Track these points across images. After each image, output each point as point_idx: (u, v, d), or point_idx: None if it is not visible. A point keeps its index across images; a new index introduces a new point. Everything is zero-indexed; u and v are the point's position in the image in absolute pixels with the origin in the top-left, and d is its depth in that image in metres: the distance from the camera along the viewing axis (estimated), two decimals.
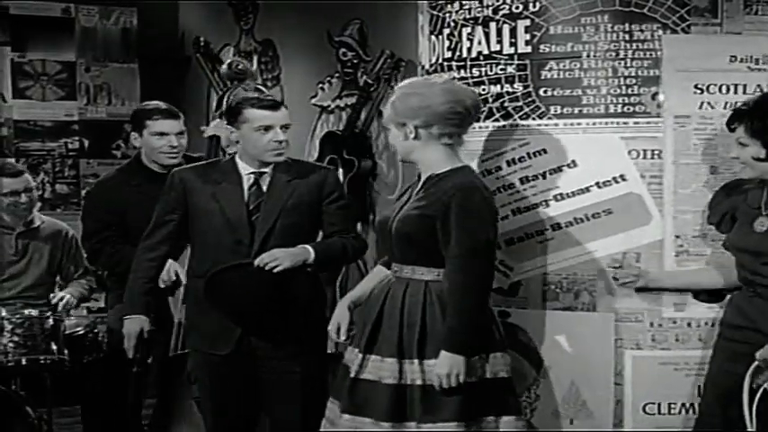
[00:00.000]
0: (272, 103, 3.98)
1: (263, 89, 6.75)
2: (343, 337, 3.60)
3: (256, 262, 3.80)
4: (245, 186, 3.96)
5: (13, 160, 7.04)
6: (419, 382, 3.39)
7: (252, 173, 3.97)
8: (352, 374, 3.46)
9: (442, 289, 3.42)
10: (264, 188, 3.96)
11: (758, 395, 3.24)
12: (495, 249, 3.48)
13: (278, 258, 3.81)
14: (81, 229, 4.89)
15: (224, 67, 4.89)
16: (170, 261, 4.36)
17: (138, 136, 4.68)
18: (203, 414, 4.15)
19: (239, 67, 4.86)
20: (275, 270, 3.79)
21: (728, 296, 3.53)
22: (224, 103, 4.75)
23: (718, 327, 3.53)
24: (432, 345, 3.39)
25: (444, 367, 3.34)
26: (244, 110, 3.93)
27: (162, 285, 4.32)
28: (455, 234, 3.36)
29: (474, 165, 3.73)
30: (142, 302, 4.03)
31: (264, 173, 3.97)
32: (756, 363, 3.26)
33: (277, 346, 3.93)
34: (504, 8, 3.71)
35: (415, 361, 3.40)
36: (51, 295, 5.07)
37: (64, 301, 5.01)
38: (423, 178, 3.52)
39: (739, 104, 3.43)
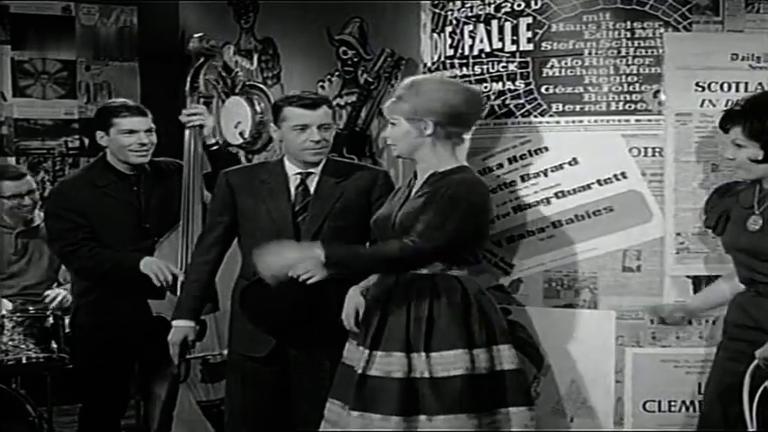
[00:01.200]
0: (310, 101, 3.88)
1: (264, 87, 6.81)
2: (355, 328, 3.58)
3: (289, 273, 3.78)
4: (292, 187, 3.91)
5: (13, 159, 7.06)
6: (426, 374, 3.39)
7: (298, 173, 3.92)
8: (360, 371, 3.46)
9: (449, 284, 3.44)
10: (312, 189, 3.91)
11: (758, 394, 3.24)
12: (451, 246, 3.45)
13: (311, 270, 3.78)
14: (46, 230, 4.76)
15: (194, 40, 4.67)
16: (157, 259, 4.35)
17: (104, 134, 4.49)
18: (227, 415, 4.07)
19: (210, 42, 4.69)
20: (308, 282, 3.77)
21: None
22: (199, 81, 4.60)
23: (722, 326, 3.54)
24: (437, 338, 3.41)
25: (306, 259, 3.39)
26: (284, 107, 3.88)
27: (159, 284, 4.30)
28: (429, 215, 3.39)
29: (476, 162, 3.75)
30: (191, 307, 4.00)
31: (312, 173, 3.92)
32: (756, 361, 3.26)
33: (311, 350, 3.89)
34: (505, 6, 3.71)
35: (423, 354, 3.40)
36: (47, 293, 5.05)
37: (59, 298, 4.99)
38: (424, 176, 3.53)
39: (733, 105, 3.43)
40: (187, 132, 4.51)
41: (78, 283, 4.63)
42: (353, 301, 3.63)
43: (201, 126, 4.50)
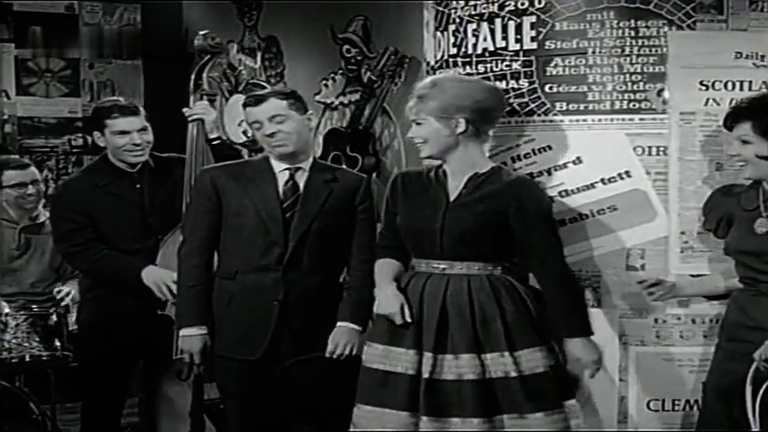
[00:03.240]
0: (255, 98, 3.89)
1: (266, 86, 6.80)
2: (408, 319, 3.52)
3: (328, 353, 3.82)
4: (281, 183, 3.89)
5: (16, 157, 7.06)
6: (514, 373, 3.42)
7: (286, 169, 3.90)
8: (426, 376, 3.44)
9: (503, 284, 3.49)
10: (301, 186, 3.89)
11: (760, 394, 3.24)
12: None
13: (347, 344, 3.83)
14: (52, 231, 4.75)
15: (198, 38, 4.66)
16: (160, 269, 4.33)
17: (100, 135, 4.48)
18: (228, 419, 4.05)
19: (215, 40, 4.66)
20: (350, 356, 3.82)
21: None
22: (202, 78, 4.60)
23: (719, 326, 3.54)
24: (517, 336, 3.45)
25: (589, 353, 3.50)
26: (245, 107, 3.91)
27: (163, 298, 4.29)
28: (540, 229, 3.48)
29: None
30: (199, 312, 3.90)
31: (300, 168, 3.91)
32: (756, 364, 3.26)
33: (303, 347, 3.86)
34: (509, 4, 3.71)
35: (506, 353, 3.43)
36: (56, 290, 5.05)
37: (70, 296, 4.99)
38: (463, 178, 3.53)
39: (738, 103, 3.42)
40: (190, 127, 4.51)
41: (84, 279, 4.65)
42: (400, 298, 3.54)
43: (203, 120, 4.49)
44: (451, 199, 3.53)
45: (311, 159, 3.96)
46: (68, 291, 5.01)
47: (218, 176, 3.94)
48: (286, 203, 3.87)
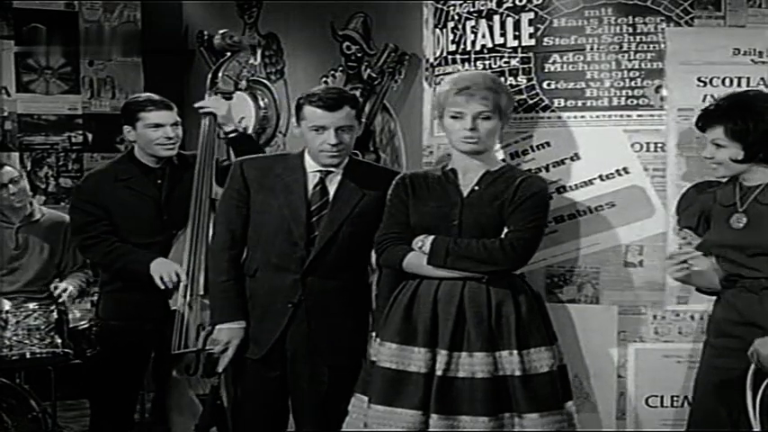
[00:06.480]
0: (330, 102, 3.66)
1: (267, 83, 6.81)
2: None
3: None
4: (310, 185, 3.77)
5: (17, 154, 7.09)
6: (518, 372, 3.41)
7: (318, 171, 3.76)
8: (440, 374, 3.42)
9: (517, 282, 3.50)
10: (331, 191, 3.76)
11: (759, 393, 3.24)
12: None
13: None
14: (69, 222, 4.78)
15: (216, 38, 4.65)
16: (169, 261, 4.34)
17: (131, 129, 4.50)
18: (231, 417, 4.02)
19: (233, 38, 4.66)
20: None
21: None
22: (218, 76, 4.59)
23: (707, 323, 3.53)
24: (529, 334, 3.45)
25: None
26: (304, 106, 3.71)
27: (163, 287, 4.29)
28: (515, 216, 3.44)
29: None
30: (229, 305, 3.82)
31: (332, 172, 3.76)
32: (753, 366, 3.26)
33: (312, 350, 3.79)
34: (507, 1, 3.71)
35: (515, 351, 3.42)
36: (53, 286, 5.05)
37: (67, 292, 4.99)
38: (476, 174, 3.52)
39: (709, 105, 3.40)
40: (202, 121, 4.53)
41: (103, 273, 4.68)
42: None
43: (215, 115, 4.49)
44: (465, 195, 3.52)
45: (346, 160, 3.80)
46: (65, 287, 5.02)
47: (249, 168, 3.84)
48: (313, 207, 3.76)
